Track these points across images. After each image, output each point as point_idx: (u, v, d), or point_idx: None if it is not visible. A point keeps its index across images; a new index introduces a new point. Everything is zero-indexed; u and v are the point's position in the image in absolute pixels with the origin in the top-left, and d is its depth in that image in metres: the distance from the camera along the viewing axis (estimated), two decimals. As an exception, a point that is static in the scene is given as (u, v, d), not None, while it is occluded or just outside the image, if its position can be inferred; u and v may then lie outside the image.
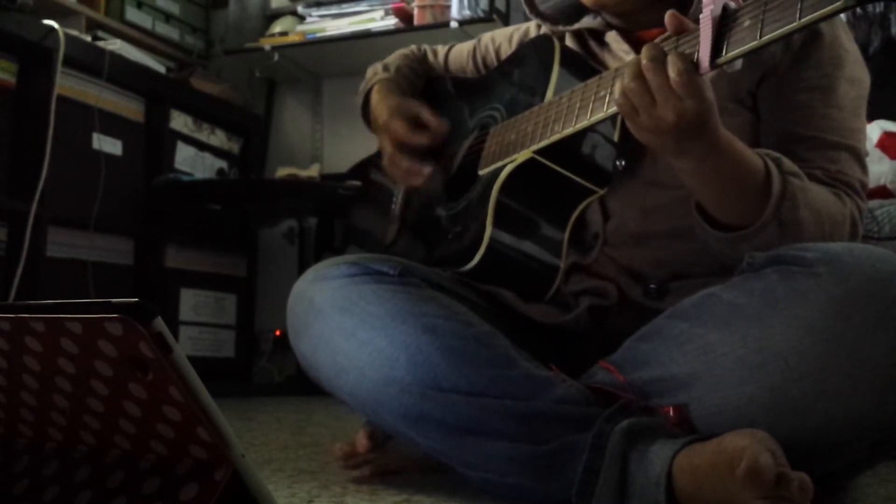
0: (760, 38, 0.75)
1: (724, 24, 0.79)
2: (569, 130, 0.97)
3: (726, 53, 0.78)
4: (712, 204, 0.92)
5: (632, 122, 0.85)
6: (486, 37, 1.34)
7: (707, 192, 0.92)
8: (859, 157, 1.00)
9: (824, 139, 0.98)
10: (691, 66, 0.80)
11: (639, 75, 0.82)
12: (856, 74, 1.01)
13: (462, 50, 1.37)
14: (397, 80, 1.34)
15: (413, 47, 1.43)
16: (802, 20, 0.72)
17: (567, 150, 1.03)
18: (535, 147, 1.03)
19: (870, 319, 0.75)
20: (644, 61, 0.82)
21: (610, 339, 0.95)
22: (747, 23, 0.76)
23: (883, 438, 0.78)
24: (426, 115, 1.23)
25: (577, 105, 0.96)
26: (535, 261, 1.07)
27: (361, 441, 1.08)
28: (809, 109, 0.99)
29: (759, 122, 1.02)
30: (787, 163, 0.92)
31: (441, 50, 1.40)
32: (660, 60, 0.81)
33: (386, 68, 1.37)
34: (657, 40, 0.95)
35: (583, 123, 0.95)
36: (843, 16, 1.04)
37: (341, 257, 1.07)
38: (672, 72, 0.80)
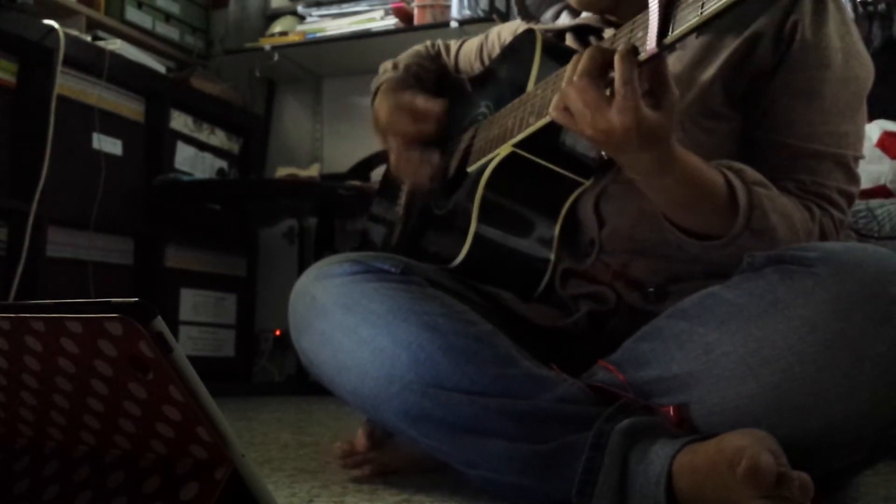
0: (702, 13, 0.73)
1: (671, 2, 0.77)
2: (542, 122, 0.96)
3: (672, 33, 0.76)
4: (674, 215, 0.92)
5: (573, 129, 0.85)
6: (494, 32, 1.33)
7: (665, 205, 0.91)
8: (844, 164, 0.98)
9: (803, 148, 0.97)
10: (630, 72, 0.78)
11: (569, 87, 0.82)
12: (850, 73, 0.98)
13: (471, 46, 1.36)
14: (405, 78, 1.33)
15: (428, 43, 1.43)
16: None
17: (547, 141, 1.02)
18: (513, 140, 1.02)
19: (870, 319, 0.75)
20: (574, 79, 0.81)
21: (610, 340, 0.95)
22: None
23: (883, 438, 0.78)
24: (420, 102, 1.22)
25: (549, 96, 0.96)
26: (524, 255, 1.06)
27: (360, 440, 1.08)
28: (791, 116, 0.97)
29: (738, 132, 1.01)
30: (750, 172, 0.91)
31: (453, 46, 1.40)
32: (592, 75, 0.80)
33: (396, 66, 1.36)
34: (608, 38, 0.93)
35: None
36: (846, 11, 1.01)
37: (343, 255, 1.07)
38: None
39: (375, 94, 1.35)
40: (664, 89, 0.81)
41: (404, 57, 1.39)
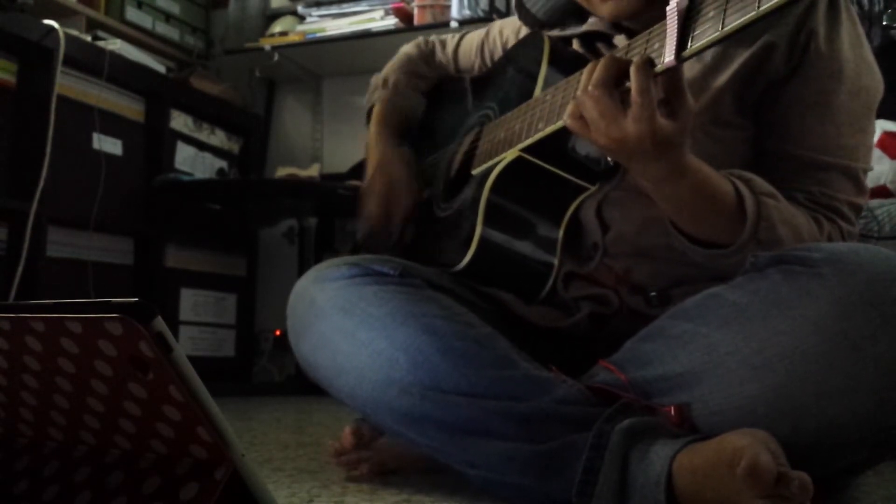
0: (723, 28, 0.73)
1: (690, 16, 0.77)
2: (551, 128, 0.96)
3: (691, 46, 0.77)
4: (682, 223, 0.92)
5: (587, 137, 0.85)
6: (496, 28, 1.31)
7: (672, 212, 0.91)
8: (853, 176, 0.98)
9: (814, 159, 0.97)
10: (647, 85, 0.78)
11: (585, 95, 0.82)
12: (861, 84, 0.98)
13: (472, 43, 1.35)
14: (395, 101, 1.32)
15: (420, 40, 1.41)
16: (762, 8, 0.70)
17: (555, 147, 1.02)
18: (521, 145, 1.02)
19: (873, 320, 0.75)
20: (590, 88, 0.81)
21: (611, 341, 0.95)
22: (711, 13, 0.75)
23: (884, 439, 0.78)
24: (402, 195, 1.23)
25: (559, 102, 0.96)
26: (528, 259, 1.06)
27: (347, 438, 1.08)
28: (802, 126, 0.97)
29: (748, 141, 1.01)
30: (759, 182, 0.91)
31: (450, 43, 1.38)
32: (607, 84, 0.80)
33: (386, 83, 1.34)
34: (620, 49, 0.93)
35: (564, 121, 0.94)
36: (858, 22, 1.01)
37: (342, 258, 1.07)
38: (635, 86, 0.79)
39: (369, 113, 1.35)
40: (680, 98, 0.80)
41: (395, 69, 1.37)
